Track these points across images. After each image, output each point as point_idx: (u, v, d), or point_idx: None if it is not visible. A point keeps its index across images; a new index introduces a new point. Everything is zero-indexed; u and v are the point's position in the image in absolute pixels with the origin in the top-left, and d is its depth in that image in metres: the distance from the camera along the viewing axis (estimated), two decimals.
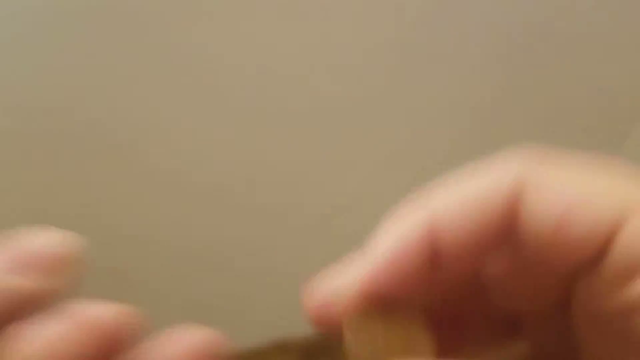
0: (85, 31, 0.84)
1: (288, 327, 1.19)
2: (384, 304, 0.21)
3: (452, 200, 0.22)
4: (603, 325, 0.20)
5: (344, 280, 0.23)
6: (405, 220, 0.22)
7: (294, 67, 0.96)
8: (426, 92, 1.06)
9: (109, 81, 0.89)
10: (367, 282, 0.21)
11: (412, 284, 0.21)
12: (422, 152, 1.11)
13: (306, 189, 1.08)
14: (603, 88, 1.18)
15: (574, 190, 0.21)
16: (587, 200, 0.20)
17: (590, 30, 1.09)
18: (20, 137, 0.88)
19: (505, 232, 0.21)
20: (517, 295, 0.23)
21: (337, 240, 1.19)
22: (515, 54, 1.06)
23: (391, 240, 0.21)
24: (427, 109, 1.07)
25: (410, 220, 0.22)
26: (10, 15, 0.80)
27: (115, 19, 0.85)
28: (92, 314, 0.19)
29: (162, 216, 1.01)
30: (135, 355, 0.20)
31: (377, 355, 0.21)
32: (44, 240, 0.20)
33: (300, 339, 1.18)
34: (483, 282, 0.23)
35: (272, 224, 1.08)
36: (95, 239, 0.89)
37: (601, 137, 1.29)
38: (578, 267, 0.20)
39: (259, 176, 1.04)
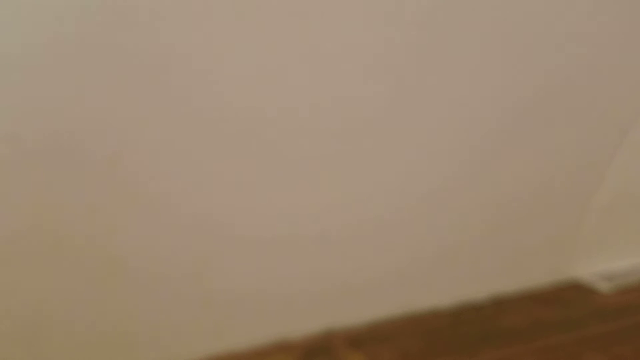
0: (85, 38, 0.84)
1: (288, 327, 1.19)
2: None
3: None
4: None
5: None
6: None
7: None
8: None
9: (106, 85, 0.89)
10: None
11: None
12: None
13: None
14: (604, 89, 1.18)
15: None
16: None
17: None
18: (20, 139, 0.88)
19: None
20: None
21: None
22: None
23: None
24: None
25: None
26: (10, 17, 0.80)
27: (114, 25, 0.85)
28: None
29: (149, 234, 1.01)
30: None
31: None
32: None
33: (300, 339, 1.18)
34: None
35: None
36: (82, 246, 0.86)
37: (601, 137, 1.29)
38: None
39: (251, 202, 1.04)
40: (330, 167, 1.06)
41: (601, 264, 1.48)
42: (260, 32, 0.90)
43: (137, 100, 0.89)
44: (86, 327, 1.02)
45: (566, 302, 1.36)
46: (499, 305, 1.33)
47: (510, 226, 1.31)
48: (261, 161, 1.01)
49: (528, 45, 1.06)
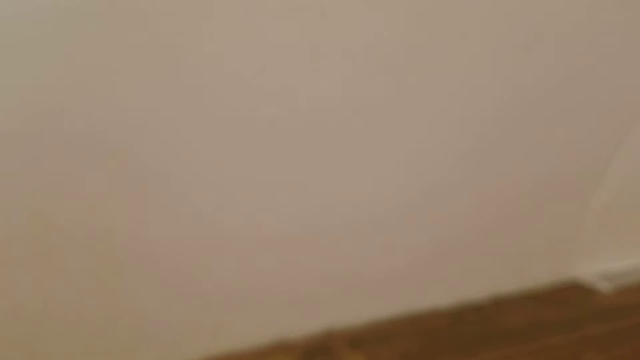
0: (86, 33, 0.84)
1: (288, 327, 1.19)
2: None
3: None
4: None
5: None
6: None
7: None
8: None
9: (106, 83, 0.89)
10: None
11: None
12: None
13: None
14: (603, 89, 1.18)
15: None
16: None
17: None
18: (20, 138, 0.88)
19: None
20: None
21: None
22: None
23: None
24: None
25: None
26: (10, 15, 0.80)
27: (115, 20, 0.85)
28: None
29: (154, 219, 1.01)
30: None
31: None
32: None
33: (300, 339, 1.18)
34: None
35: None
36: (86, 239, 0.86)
37: (601, 137, 1.29)
38: None
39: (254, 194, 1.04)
40: (330, 166, 1.06)
41: (601, 264, 1.48)
42: (262, 32, 0.90)
43: (139, 99, 0.89)
44: (86, 327, 1.02)
45: (566, 302, 1.36)
46: (499, 305, 1.33)
47: (510, 226, 1.31)
48: (261, 161, 1.01)
49: (527, 45, 1.06)
